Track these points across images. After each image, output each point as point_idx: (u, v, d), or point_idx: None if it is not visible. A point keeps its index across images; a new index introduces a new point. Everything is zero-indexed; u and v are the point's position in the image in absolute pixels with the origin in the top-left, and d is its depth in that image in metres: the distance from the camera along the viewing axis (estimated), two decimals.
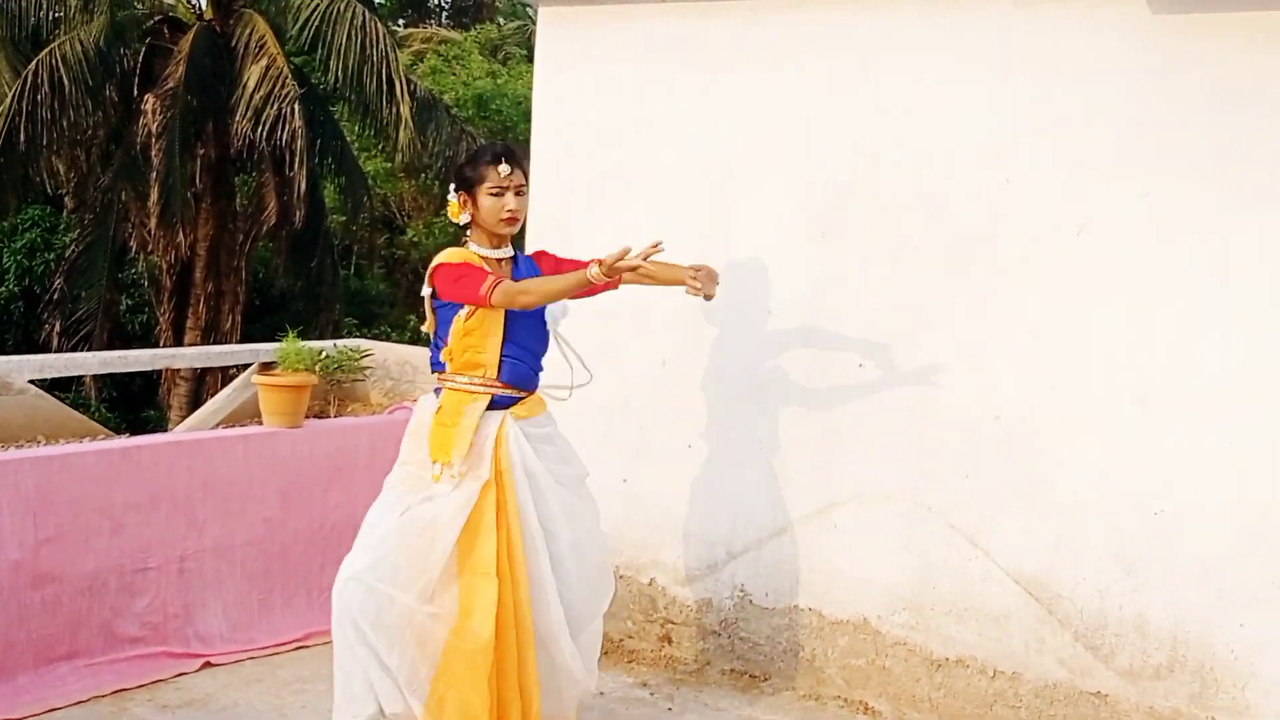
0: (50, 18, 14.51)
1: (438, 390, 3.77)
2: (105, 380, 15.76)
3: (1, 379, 4.75)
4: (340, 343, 5.66)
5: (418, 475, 3.64)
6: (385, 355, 5.76)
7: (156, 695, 4.29)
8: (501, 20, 23.86)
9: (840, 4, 4.41)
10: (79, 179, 15.55)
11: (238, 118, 13.53)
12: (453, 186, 3.79)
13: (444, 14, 23.60)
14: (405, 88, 13.39)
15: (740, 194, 4.65)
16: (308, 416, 5.10)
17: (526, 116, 18.41)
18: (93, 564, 4.39)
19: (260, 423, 5.11)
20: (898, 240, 4.35)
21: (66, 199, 16.48)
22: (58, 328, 14.38)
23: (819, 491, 4.53)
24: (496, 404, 3.70)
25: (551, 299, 3.69)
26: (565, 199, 5.07)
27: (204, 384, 14.97)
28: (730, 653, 4.72)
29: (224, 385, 14.82)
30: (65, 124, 13.84)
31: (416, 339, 16.11)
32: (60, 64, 13.27)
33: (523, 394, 3.78)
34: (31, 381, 4.87)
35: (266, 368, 5.38)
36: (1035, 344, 4.12)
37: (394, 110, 13.35)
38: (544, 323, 3.84)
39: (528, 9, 23.44)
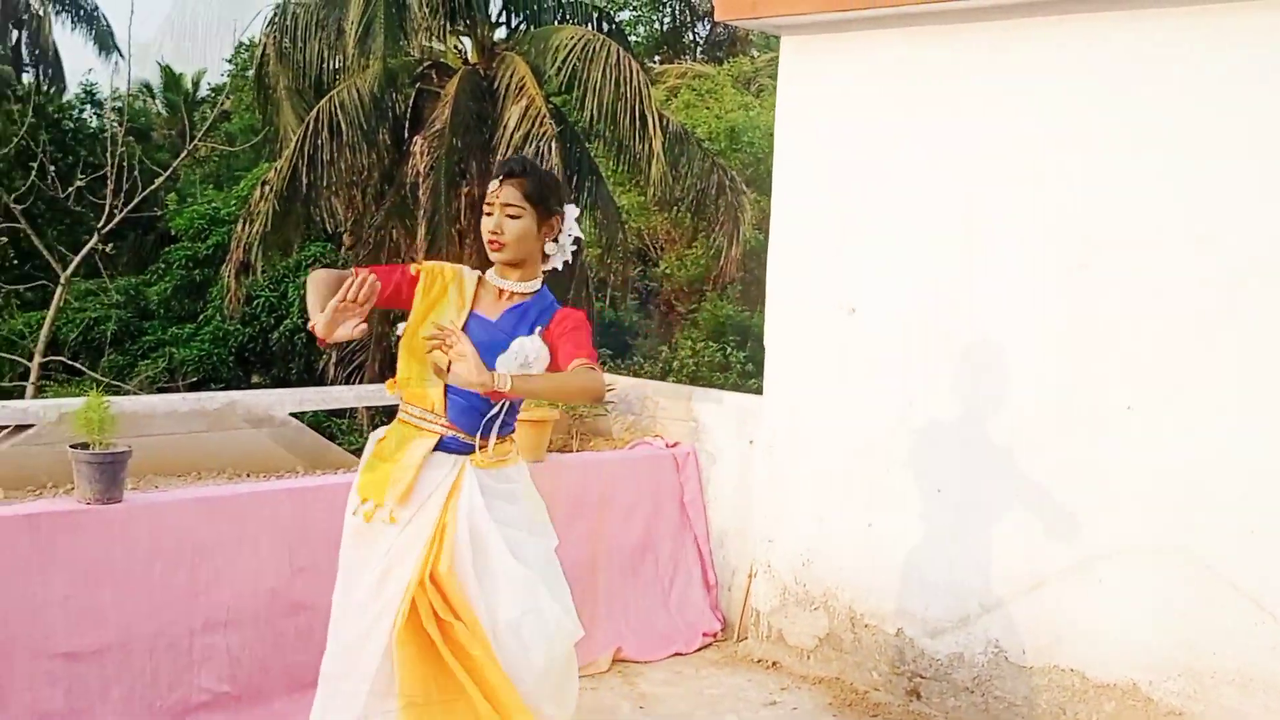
0: (330, 68, 15.35)
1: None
2: (376, 408, 16.50)
3: (265, 412, 4.94)
4: None
5: (356, 529, 3.15)
6: (627, 390, 5.71)
7: None
8: (755, 53, 23.87)
9: (1095, 21, 4.08)
10: (355, 217, 16.33)
11: (499, 157, 13.92)
12: None
13: (698, 49, 23.81)
14: (657, 122, 13.47)
15: (990, 224, 4.36)
16: (550, 451, 5.09)
17: None
18: None
19: None
20: (1164, 275, 3.97)
21: (345, 236, 17.38)
22: (334, 358, 15.13)
23: (1081, 543, 4.18)
24: (447, 447, 3.11)
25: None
26: (806, 229, 4.91)
27: None
28: (984, 712, 4.41)
29: None
30: (343, 166, 14.54)
31: (669, 371, 16.19)
32: (339, 110, 13.99)
33: (475, 440, 3.12)
34: (292, 414, 5.05)
35: None
36: None
37: (646, 145, 13.47)
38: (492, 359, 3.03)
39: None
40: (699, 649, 5.18)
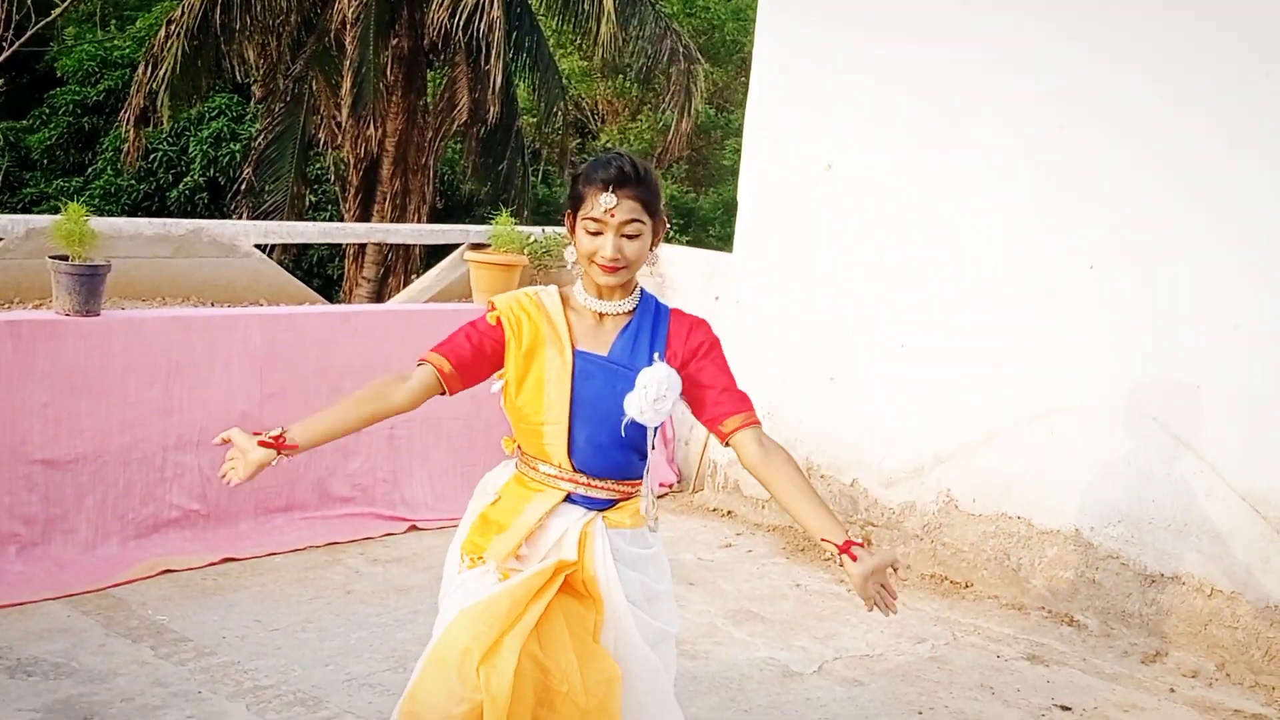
0: None
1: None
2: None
3: (230, 241, 5.39)
4: (549, 229, 6.14)
5: (464, 580, 2.83)
6: None
7: (367, 550, 4.89)
8: None
9: None
10: (268, 67, 16.41)
11: (434, 6, 14.10)
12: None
13: None
14: None
15: (970, 91, 4.91)
16: None
17: (736, 15, 18.69)
18: None
19: (470, 301, 5.65)
20: (1134, 143, 4.56)
21: (254, 88, 17.43)
22: (245, 219, 15.36)
23: (1036, 397, 4.81)
24: (576, 503, 2.83)
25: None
26: (788, 86, 5.42)
27: (385, 285, 15.82)
28: (931, 558, 5.07)
29: (406, 288, 15.47)
30: (259, 7, 14.63)
31: None
32: None
33: (619, 490, 2.84)
34: (256, 246, 5.51)
35: (476, 249, 5.89)
36: None
37: (596, 1, 13.72)
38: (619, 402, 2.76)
39: None
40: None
